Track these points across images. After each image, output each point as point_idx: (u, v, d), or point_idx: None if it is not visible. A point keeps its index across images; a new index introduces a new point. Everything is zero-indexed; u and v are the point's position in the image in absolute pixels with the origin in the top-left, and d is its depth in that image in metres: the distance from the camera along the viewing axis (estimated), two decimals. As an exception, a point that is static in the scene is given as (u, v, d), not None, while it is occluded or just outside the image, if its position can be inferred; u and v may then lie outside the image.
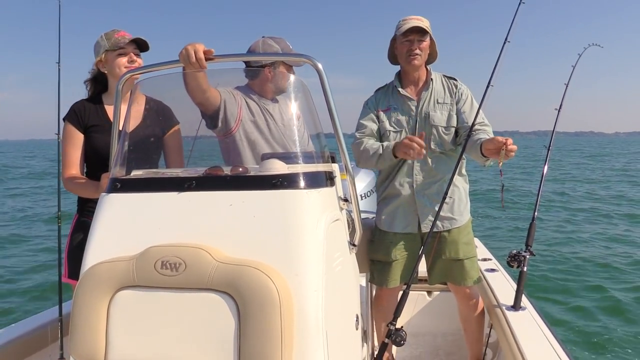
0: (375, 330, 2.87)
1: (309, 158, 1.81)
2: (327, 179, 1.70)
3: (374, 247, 2.74)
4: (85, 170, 2.39)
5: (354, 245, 1.94)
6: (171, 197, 1.58)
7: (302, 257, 1.44)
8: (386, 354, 3.04)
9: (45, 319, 2.57)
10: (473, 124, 2.50)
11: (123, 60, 2.32)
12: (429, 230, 2.60)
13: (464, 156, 2.67)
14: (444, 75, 2.75)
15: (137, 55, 2.38)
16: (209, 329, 1.39)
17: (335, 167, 1.83)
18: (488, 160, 2.40)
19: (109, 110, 2.38)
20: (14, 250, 9.75)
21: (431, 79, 2.69)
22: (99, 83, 2.44)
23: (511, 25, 2.51)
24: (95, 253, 1.57)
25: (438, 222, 2.63)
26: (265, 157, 1.98)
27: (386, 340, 2.30)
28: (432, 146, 2.62)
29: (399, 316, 2.34)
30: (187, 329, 1.41)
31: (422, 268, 2.73)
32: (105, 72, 2.38)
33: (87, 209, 2.37)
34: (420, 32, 2.55)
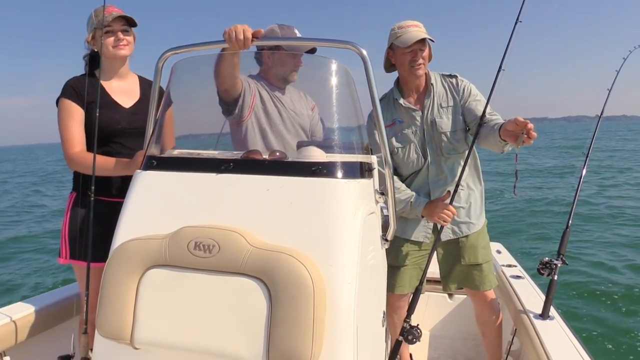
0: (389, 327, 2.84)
1: (347, 148, 1.78)
2: (366, 170, 1.66)
3: (388, 251, 2.69)
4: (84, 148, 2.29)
5: (386, 240, 1.91)
6: (208, 178, 1.56)
7: (338, 247, 1.41)
8: (405, 354, 3.00)
9: (70, 292, 2.58)
10: (483, 114, 2.40)
11: (110, 39, 2.25)
12: (449, 237, 2.59)
13: (477, 154, 2.63)
14: (443, 75, 2.64)
15: (126, 32, 2.29)
16: (239, 314, 1.36)
17: (373, 159, 1.79)
18: (507, 145, 2.26)
19: (106, 86, 2.31)
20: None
21: (431, 84, 2.58)
22: (94, 60, 2.34)
23: (522, 5, 2.37)
24: (128, 230, 1.56)
25: (456, 229, 2.60)
26: (303, 144, 1.94)
27: (399, 338, 2.25)
28: (445, 153, 2.56)
29: (412, 313, 2.29)
30: (216, 313, 1.38)
31: (432, 269, 2.68)
32: (95, 49, 2.30)
33: (98, 188, 2.17)
34: (421, 41, 2.45)
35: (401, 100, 2.58)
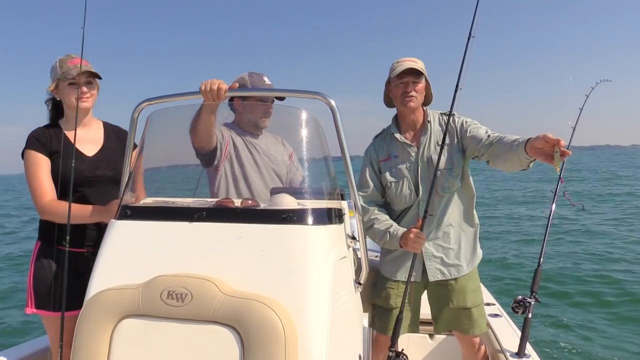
0: None
1: (318, 194, 1.82)
2: (336, 216, 1.70)
3: (375, 292, 2.66)
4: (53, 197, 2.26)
5: (359, 284, 1.93)
6: (181, 227, 1.59)
7: (309, 293, 1.44)
8: None
9: (34, 348, 2.55)
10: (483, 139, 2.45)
11: (73, 91, 2.26)
12: (436, 278, 2.56)
13: (474, 193, 2.65)
14: (441, 114, 2.69)
15: (89, 84, 2.31)
16: None
17: (344, 205, 1.84)
18: (533, 161, 2.19)
19: (69, 135, 2.30)
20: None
21: (428, 121, 2.61)
22: (58, 107, 2.37)
23: (473, 20, 2.41)
24: (102, 280, 1.57)
25: (445, 270, 2.57)
26: (275, 191, 1.99)
27: None
28: (440, 190, 2.54)
29: (396, 341, 2.30)
30: None
31: (426, 311, 2.69)
32: (57, 98, 2.32)
33: (56, 236, 2.22)
34: (414, 73, 2.50)
35: (397, 135, 2.62)
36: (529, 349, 2.60)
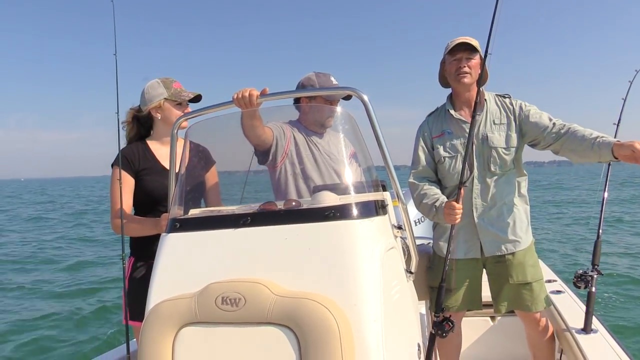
0: (439, 358, 2.79)
1: (360, 188, 1.82)
2: (379, 208, 1.70)
3: (433, 274, 2.63)
4: (133, 213, 2.45)
5: (410, 272, 1.92)
6: (228, 234, 1.63)
7: (359, 287, 1.44)
8: None
9: (112, 357, 2.65)
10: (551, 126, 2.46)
11: (179, 111, 2.46)
12: (493, 254, 2.52)
13: (525, 174, 2.62)
14: (497, 95, 2.66)
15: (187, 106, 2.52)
16: None
17: (386, 195, 1.83)
18: (615, 160, 2.26)
19: (156, 152, 2.48)
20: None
21: (485, 100, 2.60)
22: (141, 126, 2.52)
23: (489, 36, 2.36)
24: (159, 292, 1.62)
25: (502, 246, 2.53)
26: (317, 189, 2.01)
27: (432, 331, 2.24)
28: (492, 168, 2.52)
29: (440, 308, 2.30)
30: None
31: (486, 293, 2.64)
32: (158, 117, 2.47)
33: (144, 252, 2.40)
34: (468, 49, 2.49)
35: (452, 112, 2.61)
36: (595, 323, 2.52)
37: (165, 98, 2.43)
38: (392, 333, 1.50)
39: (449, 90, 2.70)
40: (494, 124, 2.56)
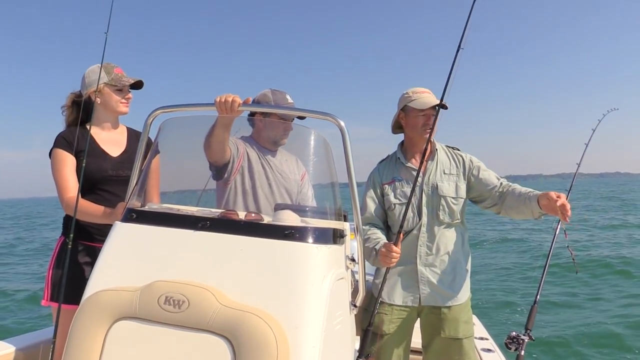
0: None
1: (322, 213, 1.85)
2: (338, 237, 1.72)
3: (366, 316, 2.53)
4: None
5: (355, 306, 1.94)
6: (184, 235, 1.61)
7: (305, 310, 1.45)
8: None
9: (37, 338, 2.54)
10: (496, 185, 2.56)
11: (119, 97, 2.44)
12: (430, 304, 2.56)
13: (466, 227, 2.69)
14: (447, 146, 2.75)
15: (129, 92, 2.50)
16: None
17: (346, 226, 1.85)
18: (545, 214, 2.39)
19: (96, 136, 2.43)
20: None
21: (436, 149, 2.66)
22: (82, 110, 2.46)
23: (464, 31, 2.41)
24: (101, 279, 1.58)
25: (440, 298, 2.57)
26: (280, 207, 2.01)
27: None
28: (441, 217, 2.58)
29: (363, 353, 2.26)
30: None
31: (417, 339, 2.68)
32: (98, 101, 2.42)
33: (80, 232, 2.34)
34: (433, 108, 2.54)
35: (403, 160, 2.65)
36: None
37: (105, 83, 2.41)
38: None
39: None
40: (444, 173, 2.63)
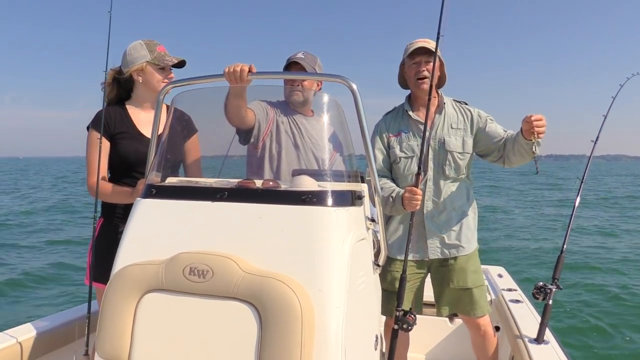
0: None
1: (339, 176, 1.84)
2: (356, 198, 1.72)
3: (380, 275, 2.51)
4: (108, 177, 2.41)
5: (378, 265, 1.96)
6: (203, 206, 1.63)
7: (327, 273, 1.47)
8: None
9: (74, 315, 2.64)
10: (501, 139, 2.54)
11: (161, 76, 2.40)
12: (437, 256, 2.60)
13: (472, 182, 2.70)
14: (455, 100, 2.70)
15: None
16: (231, 337, 1.42)
17: (364, 187, 1.86)
18: (534, 144, 2.33)
19: (134, 116, 2.42)
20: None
21: (444, 103, 2.63)
22: (121, 88, 2.45)
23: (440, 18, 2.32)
24: (127, 255, 1.63)
25: (445, 250, 2.61)
26: (296, 172, 2.02)
27: (395, 327, 2.25)
28: (447, 172, 2.58)
29: (402, 302, 2.28)
30: (209, 335, 1.44)
31: (429, 292, 2.71)
32: (140, 80, 2.40)
33: (115, 215, 2.39)
34: (427, 53, 2.48)
35: (411, 113, 2.62)
36: (548, 335, 2.60)
37: (147, 61, 2.36)
38: (352, 321, 1.53)
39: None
40: (452, 128, 2.60)
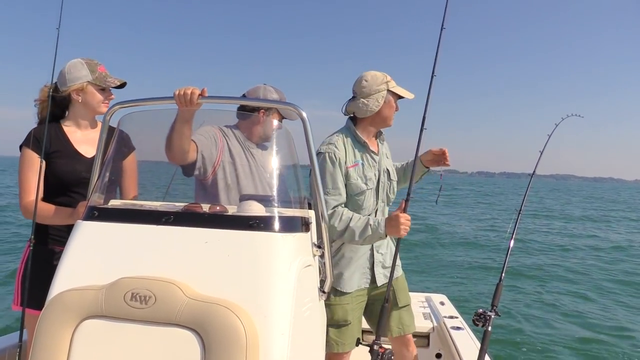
0: None
1: (286, 202, 1.86)
2: (303, 225, 1.73)
3: (328, 311, 2.40)
4: (41, 197, 2.28)
5: (324, 292, 1.96)
6: (148, 230, 1.60)
7: (272, 299, 1.46)
8: None
9: (3, 344, 2.50)
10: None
11: (101, 96, 2.38)
12: (382, 282, 2.67)
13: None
14: None
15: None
16: None
17: (311, 214, 1.87)
18: (429, 170, 2.81)
19: (70, 135, 2.36)
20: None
21: (382, 132, 2.76)
22: (56, 106, 2.38)
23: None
24: (65, 280, 1.56)
25: (387, 272, 2.68)
26: (244, 198, 2.01)
27: None
28: (390, 200, 2.74)
29: (382, 334, 2.33)
30: None
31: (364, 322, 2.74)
32: (79, 99, 2.34)
33: (49, 236, 2.30)
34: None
35: (367, 143, 2.64)
36: None
37: (88, 81, 2.33)
38: (298, 348, 1.52)
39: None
40: (387, 157, 2.78)
